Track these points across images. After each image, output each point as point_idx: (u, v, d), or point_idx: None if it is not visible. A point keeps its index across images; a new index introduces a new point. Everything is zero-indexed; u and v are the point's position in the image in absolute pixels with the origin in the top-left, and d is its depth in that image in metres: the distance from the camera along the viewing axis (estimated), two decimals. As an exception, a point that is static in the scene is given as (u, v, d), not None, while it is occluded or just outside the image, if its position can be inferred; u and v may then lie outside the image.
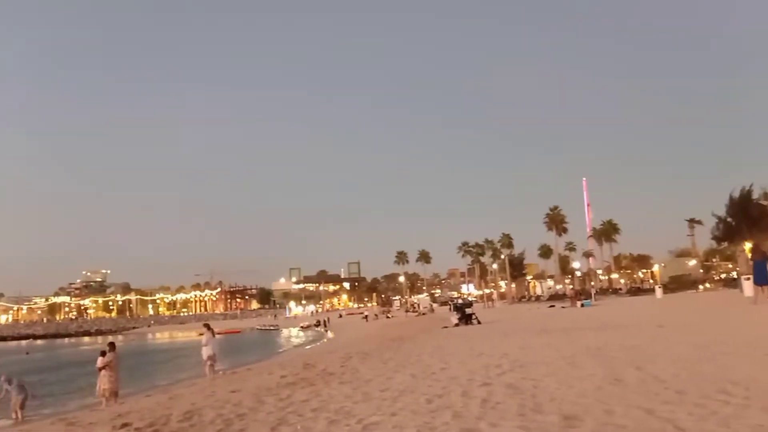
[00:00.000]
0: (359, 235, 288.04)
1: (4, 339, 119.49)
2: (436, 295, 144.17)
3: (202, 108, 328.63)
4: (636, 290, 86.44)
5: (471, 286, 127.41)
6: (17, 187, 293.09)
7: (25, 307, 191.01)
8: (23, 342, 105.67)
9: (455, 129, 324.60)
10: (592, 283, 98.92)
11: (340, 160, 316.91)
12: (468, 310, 34.41)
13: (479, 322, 32.11)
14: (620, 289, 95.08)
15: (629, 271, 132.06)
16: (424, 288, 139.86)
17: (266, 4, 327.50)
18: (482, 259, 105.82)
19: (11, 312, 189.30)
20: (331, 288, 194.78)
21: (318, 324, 78.24)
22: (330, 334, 55.70)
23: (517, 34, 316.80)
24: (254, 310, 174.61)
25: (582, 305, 46.05)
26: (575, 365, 9.71)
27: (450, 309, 42.88)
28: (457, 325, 31.97)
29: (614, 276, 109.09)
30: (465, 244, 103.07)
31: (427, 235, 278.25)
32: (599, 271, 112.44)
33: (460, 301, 54.25)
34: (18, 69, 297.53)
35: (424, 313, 73.67)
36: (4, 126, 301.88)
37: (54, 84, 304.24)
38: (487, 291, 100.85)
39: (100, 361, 16.78)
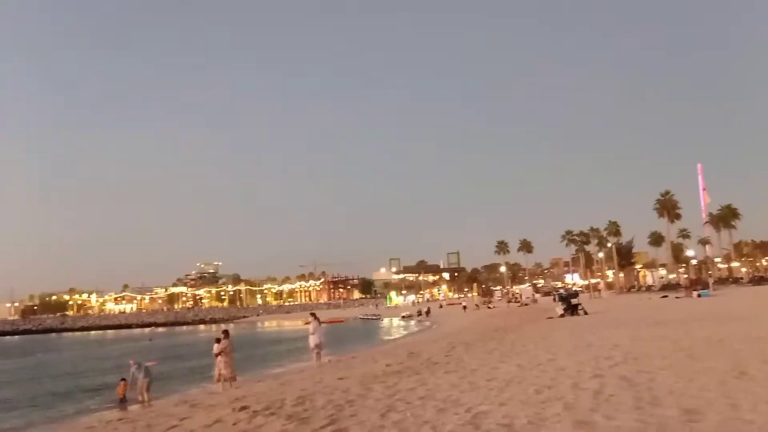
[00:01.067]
0: (459, 226, 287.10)
1: (129, 327, 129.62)
2: (539, 285, 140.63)
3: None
4: (759, 279, 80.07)
5: (576, 275, 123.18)
6: (142, 189, 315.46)
7: (147, 297, 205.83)
8: (146, 329, 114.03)
9: (556, 114, 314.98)
10: (710, 272, 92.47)
11: (441, 154, 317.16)
12: (574, 301, 33.38)
13: (586, 313, 31.06)
14: (741, 278, 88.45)
15: (751, 259, 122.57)
16: (526, 278, 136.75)
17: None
18: (587, 248, 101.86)
19: (135, 302, 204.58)
20: (431, 278, 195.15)
21: (419, 313, 78.60)
22: (432, 324, 55.88)
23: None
24: (356, 299, 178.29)
25: (699, 295, 43.41)
26: (694, 358, 9.19)
27: (554, 299, 41.77)
28: (562, 315, 31.10)
29: (735, 264, 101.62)
30: (569, 232, 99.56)
31: (529, 224, 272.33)
32: (717, 260, 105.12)
33: (564, 291, 52.59)
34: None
35: (526, 304, 72.12)
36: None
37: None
38: (593, 281, 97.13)
39: (216, 348, 17.75)
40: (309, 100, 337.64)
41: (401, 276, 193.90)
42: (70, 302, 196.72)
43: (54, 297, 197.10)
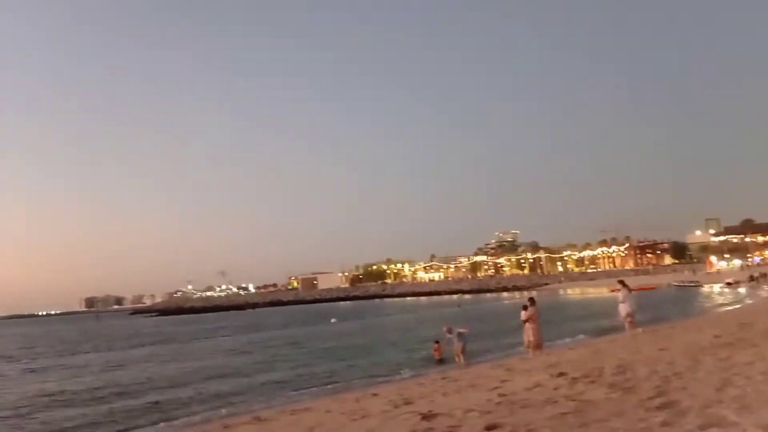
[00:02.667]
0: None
1: (439, 293, 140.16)
2: None
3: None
4: None
5: None
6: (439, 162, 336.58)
7: (452, 266, 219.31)
8: (454, 296, 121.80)
9: None
10: None
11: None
12: None
13: None
14: None
15: None
16: None
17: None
18: None
19: (442, 270, 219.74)
20: (760, 239, 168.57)
21: (752, 279, 68.94)
22: (765, 292, 48.43)
23: None
24: (668, 265, 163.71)
25: None
26: None
27: None
28: None
29: None
30: None
31: None
32: None
33: None
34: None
35: None
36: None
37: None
38: None
39: (523, 315, 18.04)
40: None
41: (722, 238, 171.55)
42: (388, 271, 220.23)
43: (374, 267, 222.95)
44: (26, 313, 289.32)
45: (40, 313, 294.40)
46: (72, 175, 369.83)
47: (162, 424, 14.04)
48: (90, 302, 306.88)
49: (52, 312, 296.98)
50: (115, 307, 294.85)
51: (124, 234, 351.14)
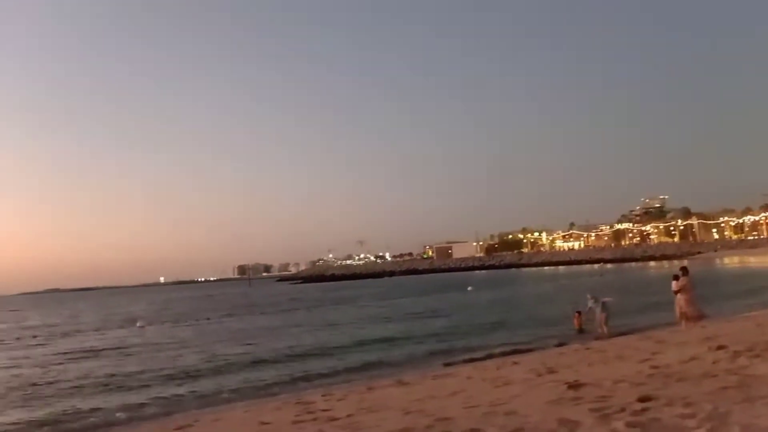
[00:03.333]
0: None
1: (578, 263, 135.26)
2: None
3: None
4: None
5: None
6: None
7: (593, 234, 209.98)
8: (595, 266, 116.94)
9: None
10: None
11: None
12: None
13: None
14: None
15: None
16: None
17: None
18: None
19: (582, 239, 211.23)
20: None
21: None
22: None
23: None
24: None
25: None
26: None
27: None
28: None
29: None
30: None
31: None
32: None
33: None
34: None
35: None
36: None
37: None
38: None
39: (674, 285, 17.01)
40: None
41: None
42: (524, 240, 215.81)
43: (510, 236, 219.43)
44: (188, 279, 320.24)
45: (199, 279, 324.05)
46: (233, 156, 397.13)
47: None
48: (242, 269, 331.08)
49: (210, 279, 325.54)
50: (264, 274, 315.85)
51: (271, 207, 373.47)
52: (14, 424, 12.52)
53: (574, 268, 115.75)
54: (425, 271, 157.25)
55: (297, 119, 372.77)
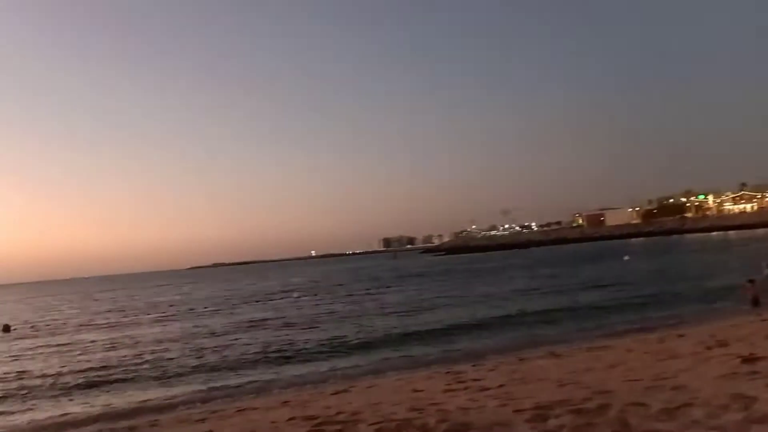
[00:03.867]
0: None
1: (752, 227, 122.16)
2: None
3: None
4: None
5: None
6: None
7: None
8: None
9: None
10: None
11: None
12: None
13: None
14: None
15: None
16: None
17: None
18: None
19: (756, 201, 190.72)
20: None
21: None
22: None
23: None
24: None
25: None
26: None
27: None
28: None
29: None
30: None
31: None
32: None
33: None
34: None
35: None
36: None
37: None
38: None
39: None
40: None
41: None
42: (688, 204, 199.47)
43: (671, 200, 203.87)
44: (336, 252, 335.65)
45: (347, 252, 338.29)
46: (378, 134, 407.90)
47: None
48: (387, 242, 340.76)
49: (356, 252, 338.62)
50: (408, 246, 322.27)
51: (414, 179, 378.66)
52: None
53: (747, 233, 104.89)
54: (575, 239, 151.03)
55: (440, 92, 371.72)
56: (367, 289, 44.27)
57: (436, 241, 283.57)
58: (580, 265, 52.94)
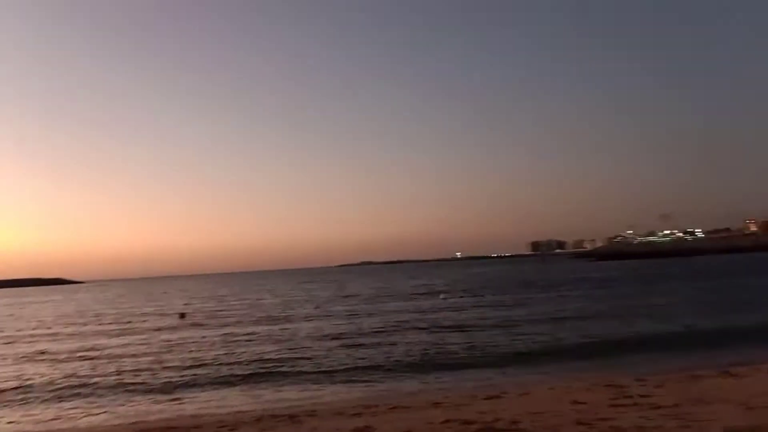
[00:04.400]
0: None
1: None
2: None
3: None
4: None
5: None
6: None
7: None
8: None
9: None
10: None
11: None
12: None
13: None
14: None
15: None
16: None
17: None
18: None
19: None
20: None
21: None
22: None
23: None
24: None
25: None
26: None
27: None
28: None
29: None
30: None
31: None
32: None
33: None
34: None
35: None
36: None
37: None
38: None
39: None
40: None
41: None
42: None
43: None
44: (481, 254, 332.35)
45: (492, 255, 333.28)
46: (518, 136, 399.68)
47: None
48: (535, 246, 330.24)
49: (503, 254, 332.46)
50: (557, 250, 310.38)
51: (566, 184, 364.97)
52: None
53: None
54: (747, 249, 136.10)
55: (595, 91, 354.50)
56: (516, 295, 43.06)
57: (588, 246, 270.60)
58: (757, 277, 47.49)
